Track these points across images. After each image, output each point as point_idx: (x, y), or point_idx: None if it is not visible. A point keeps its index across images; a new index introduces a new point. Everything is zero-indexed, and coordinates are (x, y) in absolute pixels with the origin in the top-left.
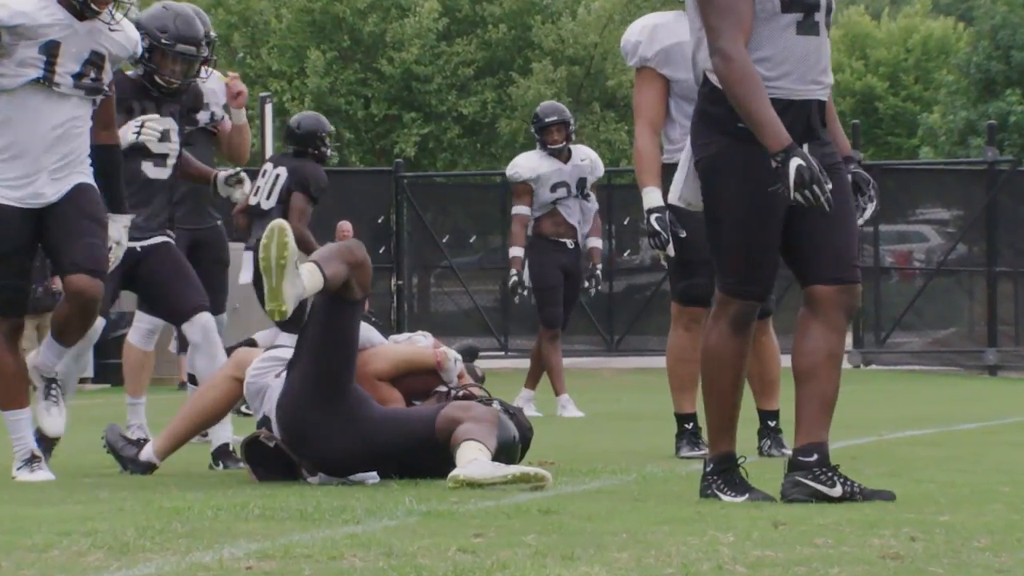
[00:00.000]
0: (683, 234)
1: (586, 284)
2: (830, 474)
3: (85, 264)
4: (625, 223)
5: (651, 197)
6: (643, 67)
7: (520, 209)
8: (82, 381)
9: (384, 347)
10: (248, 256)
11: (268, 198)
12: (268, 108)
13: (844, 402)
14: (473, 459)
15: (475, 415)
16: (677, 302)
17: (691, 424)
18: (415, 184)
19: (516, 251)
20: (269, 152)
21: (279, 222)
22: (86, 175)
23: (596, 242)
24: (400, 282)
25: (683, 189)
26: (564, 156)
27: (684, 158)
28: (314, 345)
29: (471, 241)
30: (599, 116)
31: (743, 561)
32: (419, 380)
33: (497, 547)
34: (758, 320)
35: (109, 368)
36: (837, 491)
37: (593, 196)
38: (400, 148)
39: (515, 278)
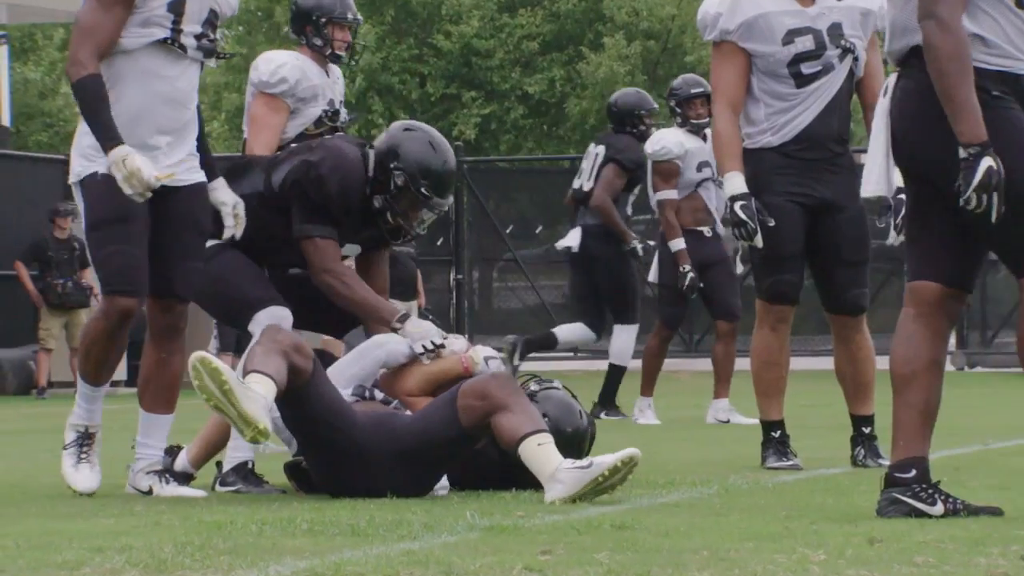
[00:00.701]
0: (771, 223)
1: (740, 267)
2: (930, 491)
3: (181, 291)
4: None
5: (734, 183)
6: (723, 41)
7: (668, 194)
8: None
9: (409, 367)
10: (576, 231)
11: (590, 179)
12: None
13: (946, 407)
14: (554, 471)
15: (496, 397)
16: (763, 299)
17: (778, 432)
18: (476, 169)
19: (678, 243)
20: None
21: (195, 357)
22: (198, 169)
23: None
24: (459, 276)
25: (886, 177)
26: (704, 134)
27: (880, 144)
28: (311, 440)
29: (537, 232)
30: None
31: None
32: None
33: (566, 565)
34: (851, 317)
35: None
36: (938, 509)
37: None
38: (459, 130)
39: (690, 274)
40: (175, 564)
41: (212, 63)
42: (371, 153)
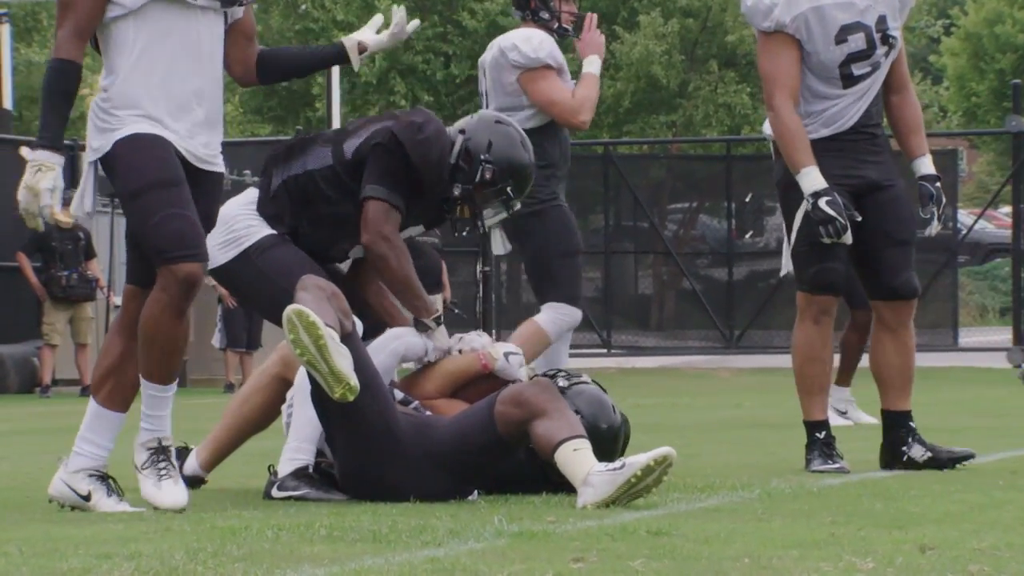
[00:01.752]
0: (859, 218)
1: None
2: None
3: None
4: (747, 200)
5: (812, 178)
6: (777, 32)
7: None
8: None
9: (427, 369)
10: None
11: None
12: (334, 69)
13: (1004, 408)
14: (585, 475)
15: (534, 403)
16: (806, 291)
17: (823, 433)
18: None
19: None
20: (336, 122)
21: (291, 309)
22: (220, 156)
23: None
24: (486, 268)
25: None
26: None
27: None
28: (342, 417)
29: None
30: (717, 76)
31: None
32: (484, 387)
33: (600, 573)
34: (905, 302)
35: None
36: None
37: None
38: None
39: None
40: (187, 571)
41: (238, 11)
42: (460, 138)
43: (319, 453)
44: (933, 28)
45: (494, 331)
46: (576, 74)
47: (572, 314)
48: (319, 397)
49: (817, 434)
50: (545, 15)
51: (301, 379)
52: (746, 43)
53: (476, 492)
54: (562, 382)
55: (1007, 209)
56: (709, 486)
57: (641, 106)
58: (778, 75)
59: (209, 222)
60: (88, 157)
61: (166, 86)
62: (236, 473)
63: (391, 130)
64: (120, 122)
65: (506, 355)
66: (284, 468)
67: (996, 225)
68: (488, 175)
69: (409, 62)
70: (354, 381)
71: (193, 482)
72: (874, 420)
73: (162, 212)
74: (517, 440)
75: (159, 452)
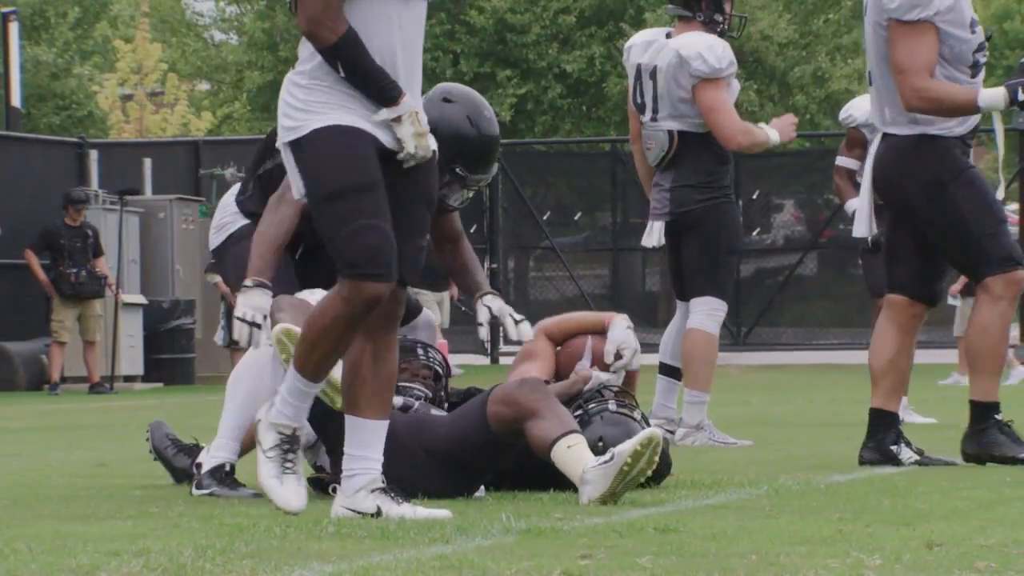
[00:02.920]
0: None
1: None
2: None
3: (407, 273)
4: (754, 197)
5: (992, 91)
6: (920, 21)
7: (844, 162)
8: (130, 379)
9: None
10: None
11: None
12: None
13: (1011, 403)
14: (581, 473)
15: (524, 403)
16: (1009, 269)
17: (1000, 415)
18: (511, 152)
19: (853, 204)
20: None
21: (279, 329)
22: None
23: None
24: (494, 265)
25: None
26: None
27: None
28: (339, 427)
29: (576, 218)
30: None
31: None
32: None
33: (607, 570)
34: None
35: (162, 364)
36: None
37: None
38: (494, 111)
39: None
40: (195, 568)
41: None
42: None
43: (319, 468)
44: None
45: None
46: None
47: (720, 306)
48: (317, 411)
49: (996, 415)
50: (719, 17)
51: (238, 372)
52: (751, 40)
53: (483, 488)
54: (579, 413)
55: (1014, 206)
56: (716, 483)
57: None
58: (917, 64)
59: (428, 201)
60: (282, 137)
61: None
62: (244, 471)
63: None
64: (321, 107)
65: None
66: (205, 464)
67: None
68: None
69: None
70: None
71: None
72: (931, 419)
73: (357, 222)
74: (511, 439)
75: (289, 441)
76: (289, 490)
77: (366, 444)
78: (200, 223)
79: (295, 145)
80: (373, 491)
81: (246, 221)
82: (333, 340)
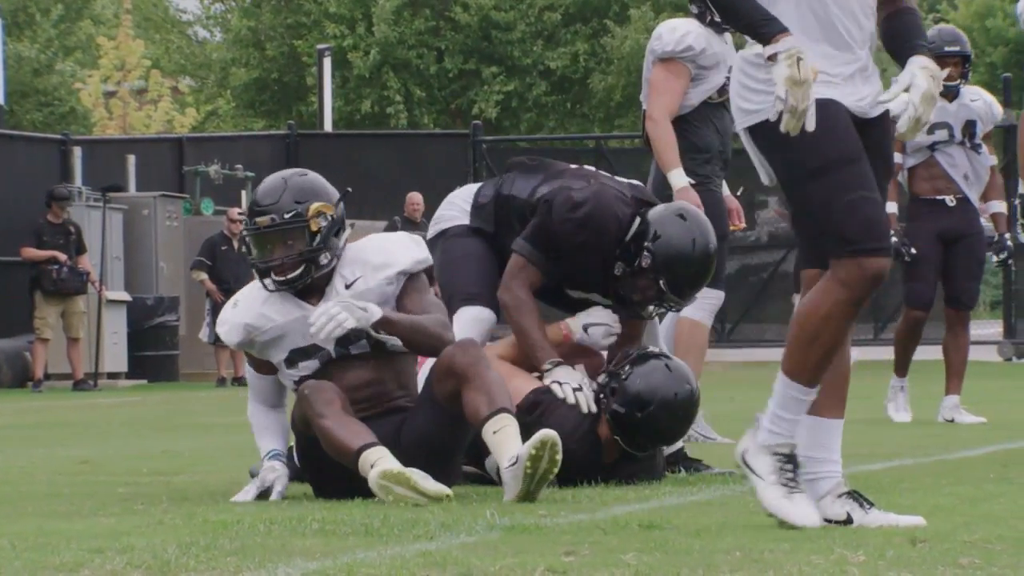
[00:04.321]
0: None
1: (995, 258)
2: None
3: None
4: (738, 194)
5: None
6: None
7: None
8: (113, 376)
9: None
10: None
11: None
12: (327, 62)
13: (993, 400)
14: (501, 472)
15: (457, 369)
16: None
17: None
18: (496, 149)
19: (888, 207)
20: (328, 116)
21: (376, 483)
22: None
23: (999, 206)
24: None
25: None
26: (951, 95)
27: None
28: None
29: None
30: None
31: None
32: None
33: (591, 567)
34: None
35: (145, 361)
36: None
37: (986, 149)
38: (479, 108)
39: (893, 239)
40: (179, 565)
41: None
42: (638, 219)
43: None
44: (924, 22)
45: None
46: None
47: (716, 295)
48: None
49: None
50: (695, 9)
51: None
52: (736, 36)
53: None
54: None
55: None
56: (701, 479)
57: (632, 100)
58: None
59: (888, 164)
60: (743, 122)
61: (831, 31)
62: (228, 467)
63: (551, 196)
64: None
65: (585, 327)
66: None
67: (987, 219)
68: (645, 263)
69: (402, 57)
70: (447, 490)
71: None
72: (981, 419)
73: (850, 195)
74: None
75: (788, 460)
76: (803, 507)
77: (827, 445)
78: (184, 220)
79: (758, 129)
80: (840, 496)
81: (464, 222)
82: (833, 332)
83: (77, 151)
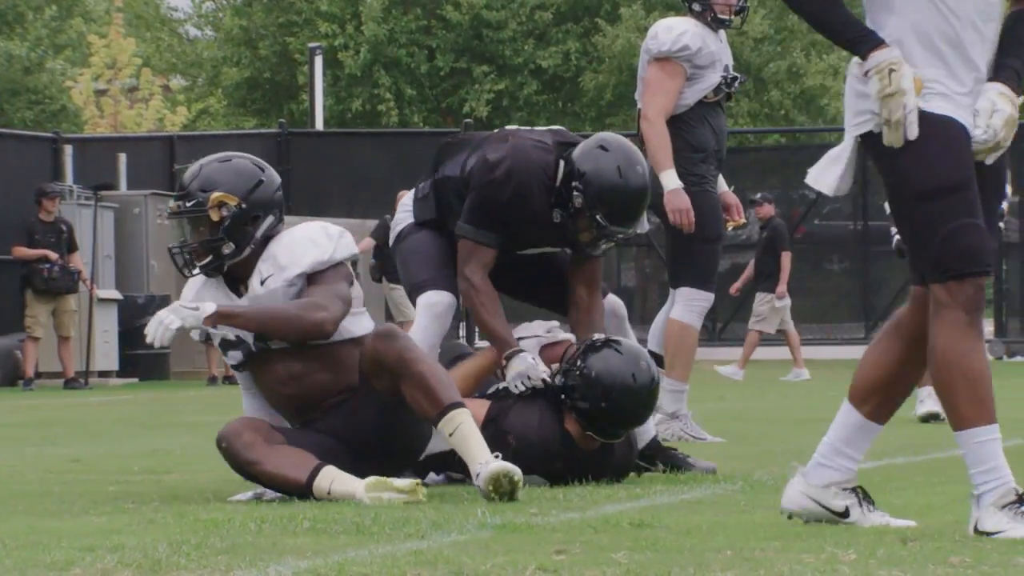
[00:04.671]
0: None
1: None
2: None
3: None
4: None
5: None
6: None
7: None
8: (104, 375)
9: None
10: None
11: None
12: (318, 61)
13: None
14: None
15: (390, 363)
16: None
17: None
18: None
19: None
20: (319, 115)
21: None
22: None
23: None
24: None
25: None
26: None
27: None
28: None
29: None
30: None
31: None
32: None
33: (582, 565)
34: None
35: (136, 360)
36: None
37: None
38: (470, 107)
39: (896, 238)
40: (170, 564)
41: None
42: (563, 162)
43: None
44: None
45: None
46: None
47: (705, 297)
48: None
49: None
50: (697, 7)
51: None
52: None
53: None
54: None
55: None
56: (692, 478)
57: (624, 99)
58: None
59: (1000, 191)
60: (851, 128)
61: (949, 42)
62: (219, 466)
63: (472, 166)
64: (949, 100)
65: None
66: None
67: None
68: (578, 203)
69: (394, 55)
70: (415, 480)
71: None
72: None
73: (953, 223)
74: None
75: (1018, 501)
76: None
77: (858, 447)
78: None
79: (868, 138)
80: (844, 490)
81: (409, 221)
82: (968, 359)
83: (68, 149)
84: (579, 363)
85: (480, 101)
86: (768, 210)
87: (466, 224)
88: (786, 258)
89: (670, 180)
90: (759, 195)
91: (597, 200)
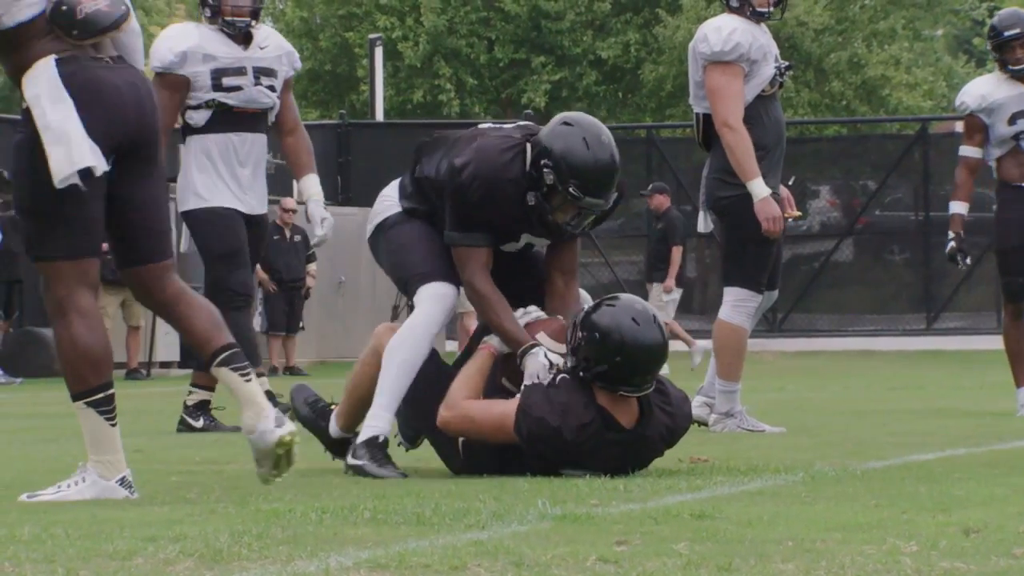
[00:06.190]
0: None
1: None
2: None
3: None
4: (790, 183)
5: None
6: None
7: (966, 151)
8: (165, 365)
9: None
10: None
11: None
12: (378, 52)
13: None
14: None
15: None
16: None
17: None
18: None
19: (956, 206)
20: (379, 105)
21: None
22: None
23: None
24: None
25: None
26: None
27: None
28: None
29: None
30: None
31: (928, 574)
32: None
33: (643, 556)
34: None
35: None
36: None
37: None
38: (528, 97)
39: (952, 243)
40: (231, 554)
41: None
42: (529, 146)
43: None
44: (978, 11)
45: None
46: None
47: (752, 297)
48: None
49: None
50: (735, 2)
51: (392, 345)
52: (788, 25)
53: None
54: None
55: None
56: (752, 469)
57: (684, 90)
58: None
59: None
60: None
61: None
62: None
63: (446, 167)
64: None
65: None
66: (361, 435)
67: None
68: (549, 180)
69: (453, 46)
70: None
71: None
72: None
73: None
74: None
75: None
76: None
77: None
78: None
79: None
80: None
81: (396, 210)
82: None
83: None
84: (580, 334)
85: (539, 92)
86: (662, 201)
87: (452, 232)
88: (677, 252)
89: (760, 188)
90: (651, 186)
91: (567, 173)
